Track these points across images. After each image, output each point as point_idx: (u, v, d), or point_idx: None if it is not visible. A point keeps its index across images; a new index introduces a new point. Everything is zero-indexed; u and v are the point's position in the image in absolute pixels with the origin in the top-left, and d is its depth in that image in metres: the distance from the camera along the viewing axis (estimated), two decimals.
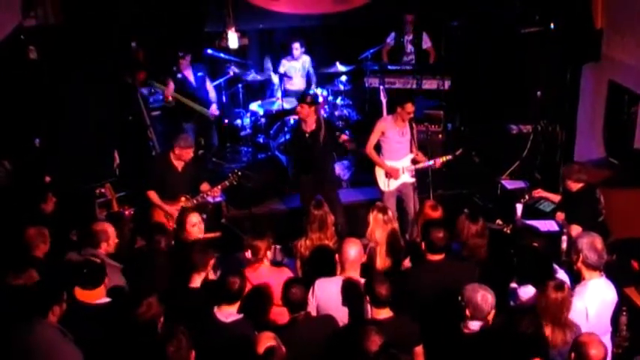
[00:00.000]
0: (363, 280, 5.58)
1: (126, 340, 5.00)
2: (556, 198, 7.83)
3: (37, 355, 4.71)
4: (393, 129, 8.39)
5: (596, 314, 5.27)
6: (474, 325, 4.95)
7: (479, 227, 6.15)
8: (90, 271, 5.35)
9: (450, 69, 10.91)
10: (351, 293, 5.57)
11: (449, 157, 8.49)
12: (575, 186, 7.11)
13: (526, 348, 4.49)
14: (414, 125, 8.48)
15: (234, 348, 4.91)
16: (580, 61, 9.47)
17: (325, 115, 10.48)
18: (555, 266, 5.74)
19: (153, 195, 7.91)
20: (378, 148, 8.54)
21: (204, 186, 8.10)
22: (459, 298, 4.98)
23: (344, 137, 8.41)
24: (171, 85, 9.93)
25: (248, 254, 5.92)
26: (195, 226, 6.67)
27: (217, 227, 8.44)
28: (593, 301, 5.28)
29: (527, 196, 8.10)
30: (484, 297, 4.91)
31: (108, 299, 5.38)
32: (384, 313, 5.11)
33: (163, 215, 7.89)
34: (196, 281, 5.64)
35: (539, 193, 7.99)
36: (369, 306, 5.22)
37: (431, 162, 8.35)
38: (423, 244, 5.80)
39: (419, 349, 5.21)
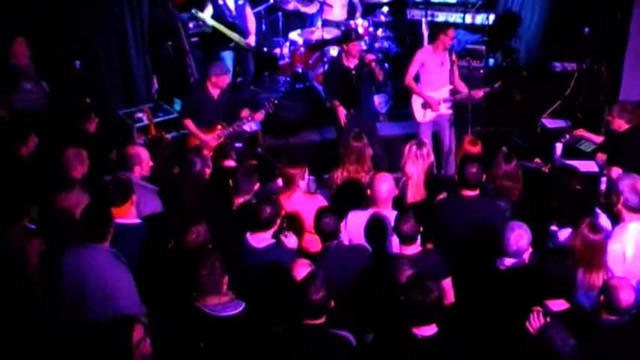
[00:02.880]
0: (392, 214, 5.59)
1: (162, 262, 5.14)
2: (597, 139, 7.69)
3: (95, 281, 4.78)
4: (433, 59, 8.27)
5: (633, 257, 5.22)
6: (508, 263, 4.95)
7: (510, 169, 6.05)
8: (116, 186, 5.42)
9: (494, 3, 10.62)
10: (375, 228, 5.59)
11: (487, 89, 8.34)
12: (622, 126, 6.94)
13: (552, 288, 4.46)
14: (454, 56, 8.35)
15: (267, 273, 4.99)
16: None
17: (365, 47, 10.33)
18: (597, 210, 5.66)
19: (189, 123, 7.94)
20: (416, 78, 8.43)
21: (245, 112, 8.09)
22: (495, 235, 4.96)
23: (370, 57, 8.26)
24: (210, 11, 9.81)
25: (279, 182, 5.94)
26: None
27: (253, 156, 8.48)
28: (631, 244, 5.22)
29: (567, 136, 7.97)
30: (518, 235, 4.89)
31: (139, 220, 5.46)
32: (411, 249, 5.12)
33: (199, 143, 7.92)
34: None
35: (580, 132, 7.84)
36: (396, 240, 5.24)
37: (470, 94, 8.21)
38: (457, 179, 5.75)
39: (447, 283, 5.21)
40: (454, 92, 8.37)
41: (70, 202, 5.49)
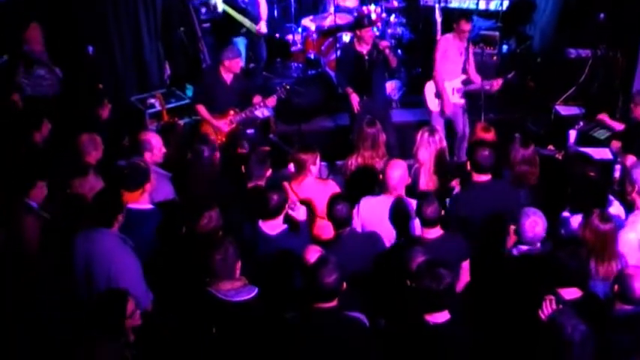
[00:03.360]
0: (408, 200, 5.58)
1: (175, 248, 5.16)
2: (619, 126, 7.61)
3: (101, 264, 4.88)
4: (453, 47, 8.22)
5: None
6: (522, 249, 4.93)
7: (529, 153, 6.03)
8: (131, 171, 5.47)
9: None
10: (398, 212, 5.59)
11: (500, 80, 8.27)
12: None
13: (564, 277, 4.45)
14: (471, 46, 8.29)
15: (280, 259, 5.02)
16: None
17: (378, 33, 10.27)
18: (611, 197, 5.63)
19: (201, 109, 7.93)
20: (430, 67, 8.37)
21: (257, 98, 8.07)
22: (510, 221, 4.95)
23: (384, 43, 8.20)
24: None
25: (291, 168, 5.95)
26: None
27: (265, 142, 8.48)
28: None
29: (581, 123, 7.91)
30: (534, 222, 4.88)
31: (152, 206, 5.48)
32: (434, 232, 5.14)
33: (212, 129, 7.92)
34: None
35: (602, 117, 7.76)
36: (418, 224, 5.23)
37: (485, 85, 8.16)
38: (468, 163, 5.73)
39: (465, 264, 5.26)
40: (467, 82, 8.31)
41: (84, 188, 5.62)
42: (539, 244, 4.95)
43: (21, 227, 5.05)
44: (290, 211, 5.37)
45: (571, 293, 4.45)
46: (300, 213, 5.46)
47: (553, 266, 4.49)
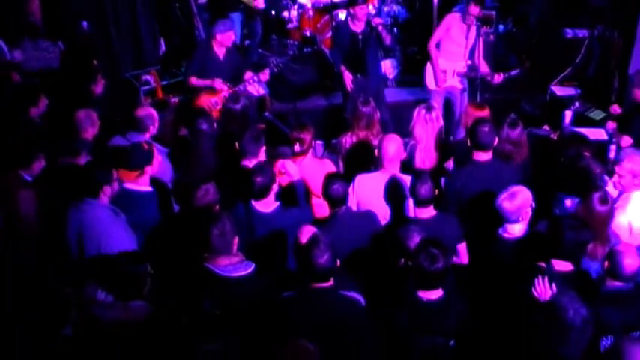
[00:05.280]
0: (405, 177, 5.59)
1: (172, 224, 5.16)
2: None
3: (91, 234, 4.90)
4: (459, 29, 8.12)
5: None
6: (510, 229, 4.95)
7: (514, 134, 6.00)
8: (134, 152, 5.45)
9: None
10: (392, 191, 5.59)
11: (501, 75, 8.19)
12: None
13: (560, 247, 4.47)
14: (481, 32, 8.11)
15: (274, 236, 5.05)
16: None
17: (374, 12, 10.22)
18: (606, 178, 5.64)
19: (194, 80, 7.88)
20: (437, 45, 8.30)
21: (248, 74, 8.04)
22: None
23: (377, 20, 8.15)
24: None
25: (297, 148, 5.94)
26: None
27: (260, 120, 8.46)
28: (636, 214, 5.21)
29: (576, 103, 7.91)
30: (510, 199, 4.88)
31: (151, 189, 5.48)
32: (427, 212, 5.15)
33: (206, 105, 7.89)
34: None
35: (614, 110, 7.71)
36: (411, 204, 5.24)
37: (490, 74, 8.08)
38: (469, 141, 5.69)
39: (462, 247, 5.28)
40: (472, 68, 8.18)
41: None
42: (524, 222, 4.96)
43: (18, 203, 5.03)
44: (281, 180, 5.35)
45: (563, 265, 4.47)
46: (292, 172, 5.47)
47: (552, 236, 4.50)
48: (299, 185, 5.55)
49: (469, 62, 8.21)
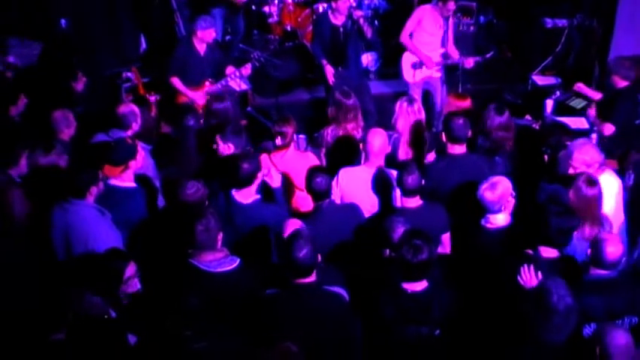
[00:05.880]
0: (388, 170, 5.60)
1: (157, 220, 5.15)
2: (596, 95, 7.62)
3: (77, 234, 4.89)
4: (430, 20, 8.16)
5: (612, 208, 5.29)
6: (493, 220, 4.97)
7: (504, 120, 6.05)
8: (117, 146, 5.44)
9: None
10: (380, 182, 5.61)
11: (478, 58, 8.26)
12: (621, 83, 6.83)
13: (547, 234, 4.48)
14: (451, 21, 8.23)
15: (254, 228, 5.06)
16: None
17: (354, 4, 10.19)
18: None
19: (176, 81, 7.85)
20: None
21: (230, 69, 8.02)
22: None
23: (358, 13, 8.16)
24: None
25: (278, 141, 5.94)
26: None
27: (243, 115, 8.44)
28: (607, 198, 5.21)
29: (558, 93, 7.94)
30: (491, 189, 4.90)
31: (135, 185, 5.46)
32: (414, 202, 5.16)
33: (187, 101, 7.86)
34: None
35: (580, 87, 7.79)
36: (398, 194, 5.24)
37: (461, 60, 8.14)
38: (443, 134, 5.72)
39: (445, 237, 5.31)
40: (445, 56, 8.28)
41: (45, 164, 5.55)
42: (507, 210, 4.97)
43: (10, 202, 5.00)
44: (265, 178, 5.36)
45: (549, 252, 4.49)
46: (275, 180, 5.47)
47: (537, 223, 4.50)
48: (277, 192, 5.54)
49: (443, 51, 8.25)
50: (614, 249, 4.30)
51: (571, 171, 5.34)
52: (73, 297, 4.15)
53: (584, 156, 5.31)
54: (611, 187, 5.34)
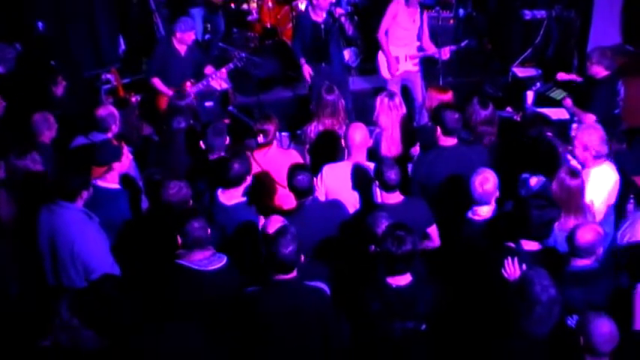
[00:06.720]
0: (370, 165, 5.59)
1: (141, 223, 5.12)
2: (579, 79, 7.69)
3: (64, 238, 4.85)
4: (405, 14, 8.16)
5: (600, 202, 5.31)
6: (479, 211, 4.98)
7: (488, 113, 6.07)
8: (102, 147, 5.42)
9: None
10: (359, 178, 5.59)
11: (453, 47, 8.27)
12: (601, 73, 6.86)
13: (528, 228, 4.50)
14: (425, 13, 8.25)
15: (237, 230, 5.04)
16: None
17: (334, 1, 10.18)
18: (568, 156, 5.70)
19: (157, 82, 7.83)
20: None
21: (209, 69, 7.99)
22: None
23: (339, 11, 8.16)
24: None
25: (260, 139, 5.92)
26: None
27: (225, 114, 8.41)
28: (596, 190, 5.28)
29: (538, 84, 7.97)
30: (484, 179, 4.92)
31: (119, 186, 5.44)
32: (394, 198, 5.14)
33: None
34: None
35: (562, 76, 7.83)
36: (378, 190, 5.24)
37: (437, 52, 8.15)
38: (437, 128, 5.66)
39: (432, 230, 5.29)
40: (420, 49, 8.28)
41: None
42: (492, 203, 4.99)
43: None
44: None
45: (531, 245, 4.51)
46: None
47: (519, 216, 4.53)
48: None
49: (418, 44, 8.25)
50: (586, 235, 4.31)
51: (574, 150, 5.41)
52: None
53: (585, 137, 5.35)
54: (606, 180, 5.38)
